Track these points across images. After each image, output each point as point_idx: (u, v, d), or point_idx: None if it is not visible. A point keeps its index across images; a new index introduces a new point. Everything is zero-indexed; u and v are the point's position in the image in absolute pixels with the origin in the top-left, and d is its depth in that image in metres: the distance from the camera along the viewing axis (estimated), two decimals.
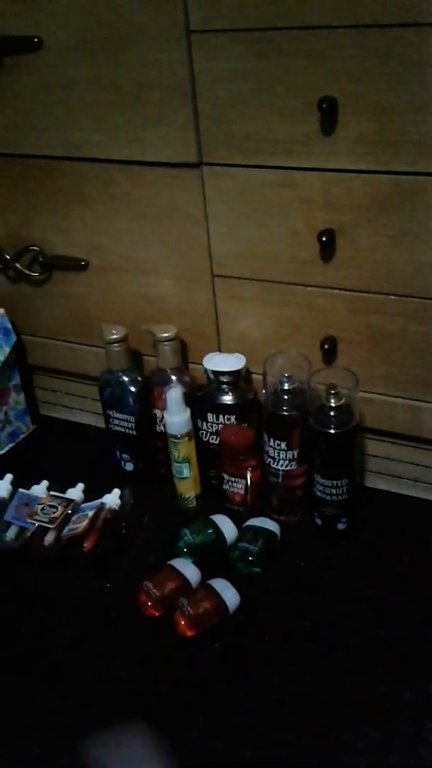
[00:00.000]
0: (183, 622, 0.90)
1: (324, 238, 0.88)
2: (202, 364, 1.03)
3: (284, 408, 0.96)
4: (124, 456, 1.13)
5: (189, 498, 1.07)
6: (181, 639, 0.89)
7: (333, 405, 0.92)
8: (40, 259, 1.12)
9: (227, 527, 1.01)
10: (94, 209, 1.04)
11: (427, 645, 0.85)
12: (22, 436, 1.28)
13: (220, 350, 1.06)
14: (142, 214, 1.00)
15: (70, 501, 1.06)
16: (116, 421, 1.10)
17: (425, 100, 0.76)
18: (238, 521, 1.01)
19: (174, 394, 1.00)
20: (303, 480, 1.00)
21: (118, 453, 1.13)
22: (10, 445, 1.26)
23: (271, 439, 0.98)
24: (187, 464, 1.04)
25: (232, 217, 0.94)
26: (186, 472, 1.05)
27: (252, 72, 0.83)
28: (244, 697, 0.82)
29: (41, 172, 1.04)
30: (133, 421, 1.08)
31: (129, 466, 1.13)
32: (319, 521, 1.00)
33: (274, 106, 0.84)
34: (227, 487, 1.04)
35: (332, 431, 0.92)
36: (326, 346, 0.96)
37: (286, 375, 0.96)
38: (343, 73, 0.79)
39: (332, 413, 0.92)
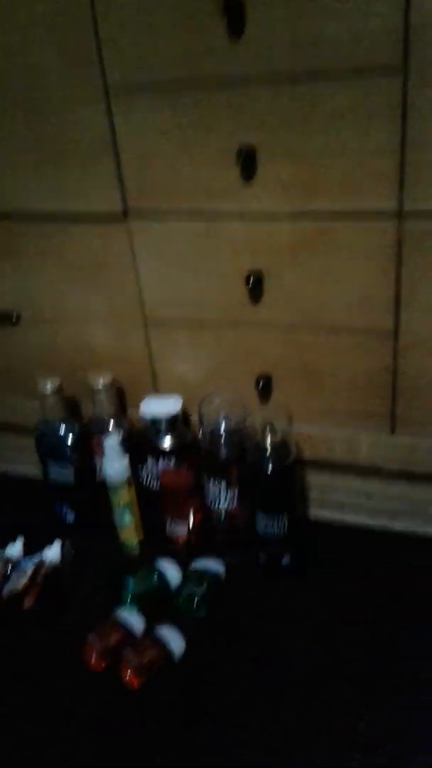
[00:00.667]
0: (128, 673, 0.87)
1: (251, 281, 0.90)
2: (138, 408, 1.03)
3: (221, 448, 0.97)
4: (65, 507, 1.11)
5: (132, 545, 1.06)
6: (127, 690, 0.86)
7: (269, 442, 0.93)
8: None
9: (171, 572, 0.99)
10: (25, 262, 1.04)
11: (379, 674, 0.85)
12: None
13: (156, 392, 1.07)
14: (72, 265, 1.01)
15: (9, 558, 1.03)
16: (54, 472, 1.08)
17: (339, 145, 0.80)
18: (183, 564, 1.00)
19: (111, 442, 1.00)
20: (245, 518, 1.00)
21: (57, 504, 1.11)
22: None
23: (211, 480, 0.98)
24: (128, 511, 1.03)
25: (161, 264, 0.96)
26: (127, 519, 1.04)
27: (171, 124, 0.86)
28: (197, 745, 0.80)
29: None
30: (72, 470, 1.07)
31: (70, 517, 1.11)
32: (263, 558, 1.00)
33: (194, 156, 0.87)
34: (170, 530, 1.03)
35: (270, 468, 0.93)
36: (261, 384, 0.97)
37: (222, 415, 0.97)
38: (259, 123, 0.82)
39: (269, 451, 0.93)
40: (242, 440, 0.96)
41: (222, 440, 0.97)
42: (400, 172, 0.79)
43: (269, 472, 0.93)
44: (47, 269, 1.03)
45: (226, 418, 0.97)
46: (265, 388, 0.98)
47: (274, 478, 0.94)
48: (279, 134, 0.82)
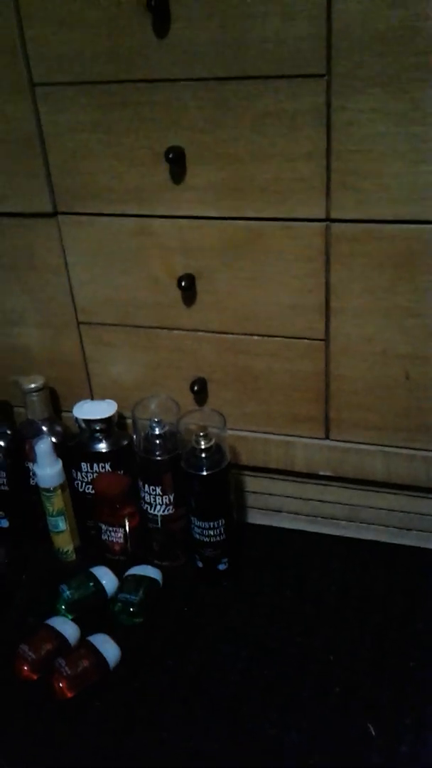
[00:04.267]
0: (61, 684, 0.86)
1: (183, 283, 0.89)
2: (72, 412, 1.01)
3: (156, 453, 0.95)
4: None
5: (67, 552, 1.04)
6: (61, 701, 0.85)
7: (203, 447, 0.92)
8: None
9: (108, 579, 0.98)
10: None
11: (312, 681, 0.85)
12: None
13: (92, 397, 1.05)
14: (3, 265, 0.99)
15: None
16: None
17: (266, 149, 0.79)
18: (119, 571, 0.99)
19: (43, 446, 0.97)
20: (182, 523, 0.99)
21: None
22: None
23: (146, 485, 0.97)
24: (63, 517, 1.01)
25: (92, 264, 0.94)
26: (62, 526, 1.02)
27: (99, 123, 0.84)
28: (132, 755, 0.79)
29: None
30: (4, 476, 1.04)
31: (4, 524, 1.09)
32: (200, 563, 0.99)
33: (123, 156, 0.85)
34: (106, 537, 1.02)
35: (204, 473, 0.92)
36: (196, 388, 0.96)
37: (156, 419, 0.96)
38: (187, 124, 0.81)
39: (203, 455, 0.93)
40: (176, 445, 0.95)
41: (156, 445, 0.96)
42: (327, 179, 0.78)
43: (204, 477, 0.93)
44: None
45: (160, 423, 0.96)
46: (200, 391, 0.97)
47: (208, 483, 0.93)
48: (207, 136, 0.81)
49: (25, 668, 0.88)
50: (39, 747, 0.80)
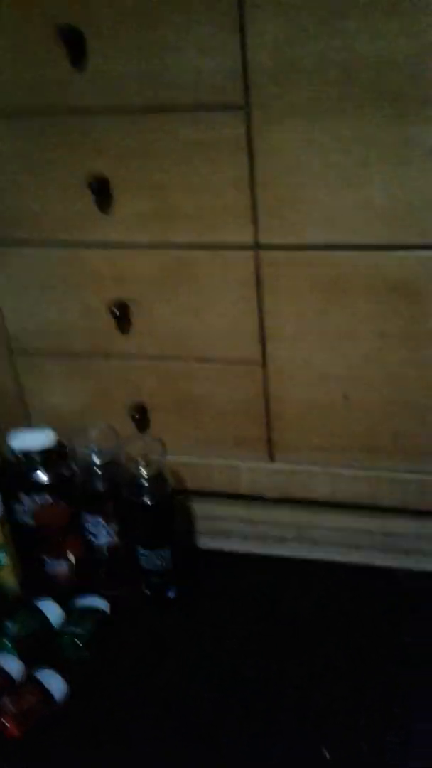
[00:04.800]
0: (7, 723, 0.84)
1: (117, 312, 0.88)
2: (8, 442, 0.99)
3: (97, 483, 0.94)
4: None
5: (11, 586, 1.02)
6: (8, 741, 0.83)
7: (144, 475, 0.91)
8: None
9: (53, 612, 0.96)
10: None
11: (268, 706, 0.84)
12: None
13: (30, 426, 1.03)
14: None
15: None
16: None
17: (191, 179, 0.78)
18: (65, 602, 0.98)
19: None
20: (127, 552, 0.98)
21: None
22: None
23: (88, 515, 0.96)
24: (3, 551, 0.99)
25: (23, 293, 0.93)
26: (2, 560, 1.00)
27: (21, 154, 0.82)
28: None
29: None
30: None
31: None
32: (148, 592, 0.98)
33: (48, 186, 0.84)
34: (50, 569, 1.00)
35: (147, 502, 0.91)
36: (137, 415, 0.95)
37: (95, 449, 0.94)
38: (111, 154, 0.80)
39: (145, 483, 0.92)
40: (117, 474, 0.94)
41: (97, 474, 0.94)
42: (253, 207, 0.78)
43: (146, 506, 0.92)
44: None
45: (100, 452, 0.94)
46: (141, 418, 0.96)
47: (151, 511, 0.92)
48: (131, 165, 0.80)
49: None
50: None
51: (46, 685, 0.87)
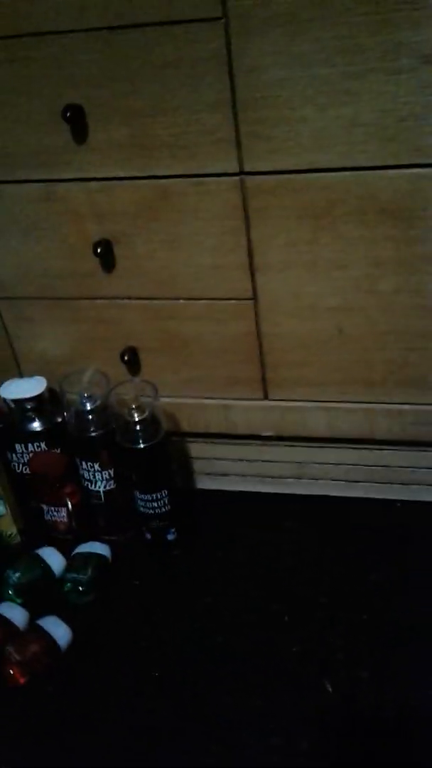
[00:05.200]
0: (12, 671, 0.84)
1: (99, 250, 0.85)
2: None
3: (89, 429, 0.92)
4: None
5: (11, 534, 1.01)
6: (13, 689, 0.83)
7: (137, 419, 0.89)
8: None
9: (55, 559, 0.96)
10: None
11: (266, 646, 0.84)
12: None
13: (20, 374, 1.01)
14: None
15: None
16: None
17: (168, 102, 0.74)
18: (66, 550, 0.97)
19: None
20: (125, 497, 0.97)
21: None
22: None
23: (83, 462, 0.94)
24: (1, 500, 0.98)
25: (3, 235, 0.89)
26: (2, 509, 0.99)
27: None
28: (86, 740, 0.78)
29: None
30: None
31: None
32: (148, 535, 0.97)
33: (19, 118, 0.79)
34: (49, 517, 0.99)
35: (141, 446, 0.90)
36: (127, 358, 0.93)
37: (86, 395, 0.92)
38: (81, 79, 0.75)
39: (138, 428, 0.90)
40: (110, 418, 0.92)
41: (89, 420, 0.92)
42: (236, 130, 0.74)
43: (140, 450, 0.90)
44: None
45: (91, 397, 0.92)
46: (131, 361, 0.94)
47: (146, 455, 0.91)
48: (104, 90, 0.75)
49: None
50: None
51: (50, 633, 0.87)
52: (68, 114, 0.75)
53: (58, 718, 0.80)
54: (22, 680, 0.85)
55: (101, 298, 0.91)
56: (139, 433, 0.90)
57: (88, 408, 0.92)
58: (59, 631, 0.88)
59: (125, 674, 0.84)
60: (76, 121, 0.77)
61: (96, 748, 0.77)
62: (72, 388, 0.93)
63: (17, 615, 0.90)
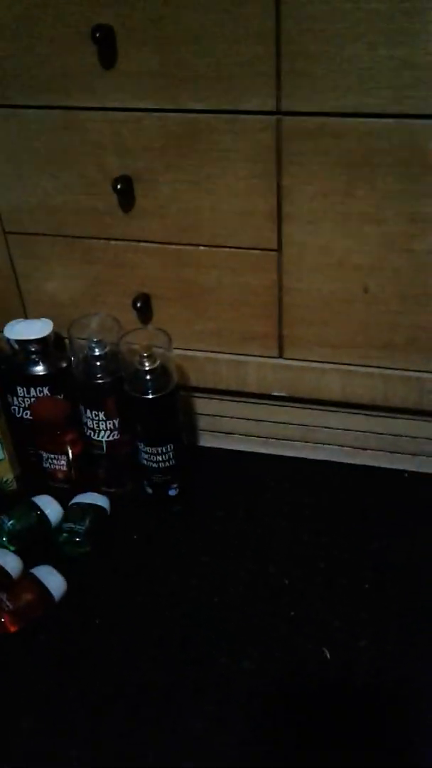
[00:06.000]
0: (3, 618, 0.82)
1: (119, 186, 0.80)
2: (4, 330, 0.93)
3: (97, 376, 0.88)
4: None
5: (7, 481, 0.98)
6: (4, 636, 0.81)
7: (147, 369, 0.86)
8: None
9: (51, 508, 0.93)
10: None
11: (266, 607, 0.82)
12: None
13: (26, 315, 0.96)
14: None
15: None
16: None
17: (207, 29, 0.69)
18: (64, 499, 0.94)
19: None
20: (129, 449, 0.94)
21: None
22: None
23: (88, 410, 0.91)
24: (0, 445, 0.95)
25: (16, 165, 0.84)
26: (0, 454, 0.95)
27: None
28: (77, 692, 0.76)
29: None
30: None
31: None
32: (149, 490, 0.95)
33: (44, 35, 0.74)
34: (48, 464, 0.96)
35: (150, 396, 0.86)
36: (139, 305, 0.89)
37: (95, 339, 0.88)
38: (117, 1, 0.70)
39: (148, 377, 0.86)
40: (119, 366, 0.88)
41: (97, 367, 0.88)
42: (276, 64, 0.69)
43: (149, 401, 0.86)
44: None
45: (101, 343, 0.88)
46: (143, 308, 0.89)
47: (155, 406, 0.87)
48: (138, 13, 0.70)
49: None
50: None
51: (44, 582, 0.85)
52: (97, 34, 0.70)
53: (48, 668, 0.78)
54: (13, 628, 0.82)
55: (117, 239, 0.87)
56: (149, 383, 0.86)
57: (97, 354, 0.88)
58: (54, 581, 0.85)
59: (118, 628, 0.82)
60: (105, 44, 0.72)
61: (85, 699, 0.75)
62: (80, 332, 0.89)
63: (11, 562, 0.87)
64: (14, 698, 0.76)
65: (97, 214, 0.85)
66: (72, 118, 0.79)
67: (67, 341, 0.94)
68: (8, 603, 0.82)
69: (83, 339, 0.89)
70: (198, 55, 0.71)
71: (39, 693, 0.76)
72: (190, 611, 0.83)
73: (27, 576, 0.86)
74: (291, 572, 0.86)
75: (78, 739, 0.72)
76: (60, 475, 0.96)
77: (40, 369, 0.93)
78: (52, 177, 0.83)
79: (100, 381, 0.88)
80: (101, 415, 0.90)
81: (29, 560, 0.88)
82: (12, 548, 0.90)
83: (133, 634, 0.81)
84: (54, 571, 0.86)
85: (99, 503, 0.94)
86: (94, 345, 0.88)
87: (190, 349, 0.93)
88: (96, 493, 0.95)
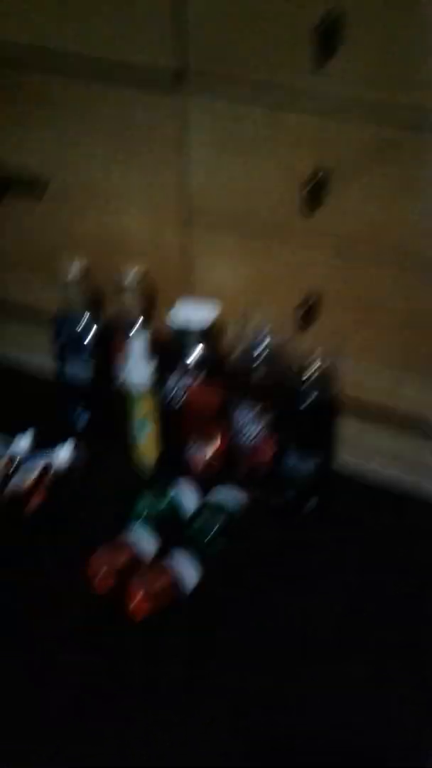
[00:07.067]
0: (136, 601, 0.81)
1: (312, 185, 0.77)
2: (169, 313, 0.92)
3: (258, 370, 0.86)
4: (76, 409, 1.02)
5: (147, 462, 0.98)
6: (130, 617, 0.80)
7: (311, 372, 0.83)
8: None
9: (187, 498, 0.92)
10: (61, 123, 0.90)
11: (394, 633, 0.79)
12: None
13: (191, 299, 0.95)
14: (115, 134, 0.87)
15: (14, 454, 0.95)
16: (69, 370, 0.98)
17: None
18: (199, 491, 0.93)
19: (138, 344, 0.90)
20: (273, 451, 0.91)
21: (69, 404, 1.03)
22: None
23: (241, 405, 0.89)
24: (148, 424, 0.94)
25: (214, 149, 0.83)
26: (145, 433, 0.95)
27: None
28: (195, 685, 0.75)
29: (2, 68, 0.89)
30: (90, 369, 0.97)
31: (81, 420, 1.03)
32: (288, 498, 0.92)
33: (262, 20, 0.71)
34: (190, 453, 0.95)
35: (310, 401, 0.83)
36: (309, 305, 0.86)
37: (263, 334, 0.85)
38: None
39: (310, 381, 0.83)
40: (281, 366, 0.86)
41: (260, 362, 0.86)
42: None
43: (309, 405, 0.83)
44: (86, 133, 0.89)
45: (266, 339, 0.85)
46: (310, 310, 0.86)
47: (313, 411, 0.84)
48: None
49: (98, 578, 0.84)
50: (105, 660, 0.77)
51: (179, 571, 0.83)
52: (322, 26, 0.66)
53: (172, 659, 0.77)
54: (141, 614, 0.81)
55: (297, 240, 0.84)
56: (311, 388, 0.83)
57: (261, 350, 0.86)
58: (188, 571, 0.84)
59: (246, 628, 0.80)
60: (326, 36, 0.68)
61: (196, 697, 0.74)
62: (246, 327, 0.87)
63: (147, 544, 0.87)
64: (133, 679, 0.75)
65: (282, 212, 0.83)
66: (277, 110, 0.76)
67: (229, 333, 0.92)
68: (142, 586, 0.81)
69: (248, 334, 0.87)
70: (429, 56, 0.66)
71: (152, 680, 0.75)
72: (323, 628, 0.80)
73: (161, 561, 0.85)
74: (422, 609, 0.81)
75: (202, 734, 0.70)
76: (200, 467, 0.95)
77: (198, 356, 0.92)
78: (246, 165, 0.82)
79: (261, 376, 0.86)
80: (254, 413, 0.88)
81: (162, 546, 0.87)
82: (147, 531, 0.89)
83: (260, 639, 0.79)
84: (189, 561, 0.85)
85: (234, 502, 0.92)
86: (260, 339, 0.85)
87: (346, 359, 0.89)
88: (232, 491, 0.94)
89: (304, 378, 0.83)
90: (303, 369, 0.83)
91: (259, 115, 0.77)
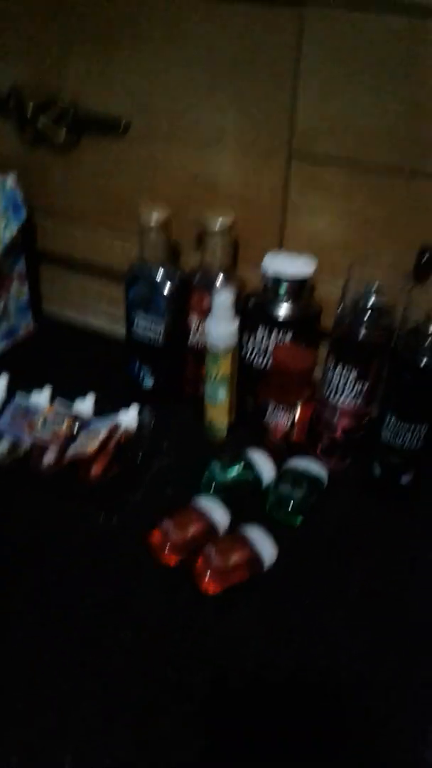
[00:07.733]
0: (208, 575, 0.72)
1: None
2: (258, 266, 0.83)
3: (365, 328, 0.77)
4: (144, 369, 0.94)
5: (220, 426, 0.89)
6: (201, 595, 0.71)
7: (430, 332, 0.74)
8: (69, 117, 0.90)
9: (264, 466, 0.83)
10: (148, 52, 0.82)
11: None
12: (20, 334, 1.08)
13: (283, 251, 0.87)
14: (211, 63, 0.79)
15: (77, 415, 0.87)
16: (141, 326, 0.90)
17: None
18: (277, 460, 0.84)
19: (223, 299, 0.81)
20: (366, 420, 0.82)
21: (137, 365, 0.94)
22: (6, 343, 1.06)
23: (340, 366, 0.80)
24: (225, 386, 0.85)
25: (332, 76, 0.74)
26: (222, 396, 0.86)
27: None
28: (267, 666, 0.65)
29: None
30: (162, 327, 0.88)
31: (148, 382, 0.94)
32: (378, 471, 0.83)
33: None
34: (270, 418, 0.86)
35: (423, 364, 0.74)
36: (426, 258, 0.77)
37: (375, 287, 0.76)
38: None
39: (428, 343, 0.74)
40: (393, 323, 0.77)
41: (367, 319, 0.77)
42: None
43: (421, 369, 0.74)
44: (177, 65, 0.81)
45: (378, 293, 0.76)
46: (428, 264, 0.77)
47: (425, 376, 0.75)
48: None
49: (166, 549, 0.75)
50: (170, 645, 0.67)
51: (256, 546, 0.74)
52: None
53: (241, 640, 0.68)
54: (213, 588, 0.72)
55: (424, 177, 0.75)
56: (427, 349, 0.74)
57: (371, 304, 0.76)
58: (266, 546, 0.75)
59: (328, 613, 0.70)
60: None
61: (273, 679, 0.64)
62: (351, 279, 0.78)
63: (219, 515, 0.78)
64: (197, 659, 0.66)
65: (409, 145, 0.74)
66: (419, 25, 0.67)
67: (318, 287, 0.83)
68: (215, 560, 0.73)
69: (353, 288, 0.78)
70: None
71: (221, 660, 0.66)
72: (414, 610, 0.70)
73: (235, 534, 0.76)
74: None
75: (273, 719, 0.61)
76: (279, 433, 0.86)
77: (290, 312, 0.83)
78: (372, 95, 0.73)
79: (367, 335, 0.77)
80: (353, 375, 0.79)
81: (234, 518, 0.78)
82: (220, 500, 0.80)
83: (345, 620, 0.70)
84: (267, 535, 0.76)
85: (317, 472, 0.83)
86: (371, 293, 0.76)
87: None
88: (314, 461, 0.84)
89: (420, 337, 0.74)
90: (421, 328, 0.74)
91: (396, 31, 0.68)
